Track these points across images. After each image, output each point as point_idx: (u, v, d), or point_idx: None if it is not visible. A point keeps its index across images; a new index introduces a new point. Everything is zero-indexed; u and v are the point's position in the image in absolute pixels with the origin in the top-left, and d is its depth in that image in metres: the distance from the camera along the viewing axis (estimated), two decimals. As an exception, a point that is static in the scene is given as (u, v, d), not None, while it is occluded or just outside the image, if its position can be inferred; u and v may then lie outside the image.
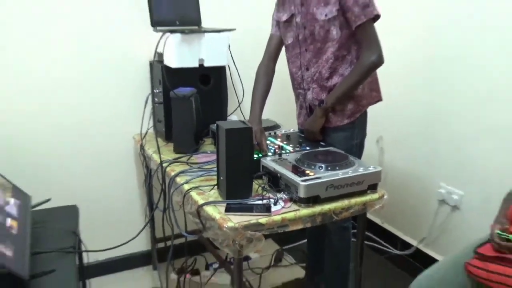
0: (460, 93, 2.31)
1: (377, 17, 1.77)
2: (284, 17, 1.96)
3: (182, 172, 1.79)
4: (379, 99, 1.98)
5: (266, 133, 2.06)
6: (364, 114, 1.98)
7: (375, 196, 1.61)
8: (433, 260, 2.44)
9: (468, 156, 2.32)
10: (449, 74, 2.34)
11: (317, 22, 1.82)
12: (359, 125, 1.95)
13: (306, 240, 2.41)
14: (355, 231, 1.83)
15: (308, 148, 1.86)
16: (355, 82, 1.83)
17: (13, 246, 1.34)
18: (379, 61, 1.79)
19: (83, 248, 1.76)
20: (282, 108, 2.46)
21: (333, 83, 1.89)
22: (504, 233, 1.47)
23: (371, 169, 1.62)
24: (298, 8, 1.88)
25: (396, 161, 2.74)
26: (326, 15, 1.79)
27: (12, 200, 1.58)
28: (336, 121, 1.92)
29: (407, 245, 2.73)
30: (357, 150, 1.96)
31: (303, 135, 2.03)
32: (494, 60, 2.12)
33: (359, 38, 1.81)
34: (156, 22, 2.18)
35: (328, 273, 2.13)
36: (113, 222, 2.48)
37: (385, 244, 2.85)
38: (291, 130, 2.13)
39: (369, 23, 1.76)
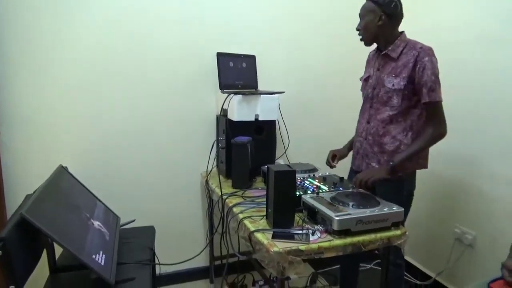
0: (474, 141, 2.20)
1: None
2: (364, 76, 1.98)
3: (238, 203, 1.79)
4: (424, 167, 1.91)
5: (306, 175, 2.05)
6: (413, 174, 1.90)
7: (397, 232, 1.55)
8: (449, 291, 2.29)
9: (480, 201, 2.18)
10: (469, 122, 2.24)
11: (384, 87, 1.81)
12: (408, 179, 1.87)
13: (338, 266, 2.32)
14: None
15: (341, 189, 1.82)
16: (421, 147, 1.76)
17: (104, 256, 1.37)
18: (444, 134, 1.76)
19: (157, 262, 1.77)
20: (320, 156, 2.44)
21: (384, 141, 1.85)
22: None
23: (395, 209, 1.57)
24: (374, 71, 1.90)
25: (418, 203, 2.62)
26: (393, 85, 1.78)
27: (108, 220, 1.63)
28: None
29: (426, 277, 2.56)
30: (406, 201, 1.87)
31: (339, 178, 1.98)
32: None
33: (428, 112, 1.77)
34: (223, 86, 2.24)
35: None
36: (181, 241, 2.48)
37: (407, 274, 2.68)
38: (327, 173, 2.09)
39: (440, 103, 1.75)
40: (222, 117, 2.23)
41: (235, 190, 1.99)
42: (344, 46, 2.09)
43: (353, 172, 2.06)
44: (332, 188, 1.83)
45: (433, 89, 1.72)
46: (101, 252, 1.37)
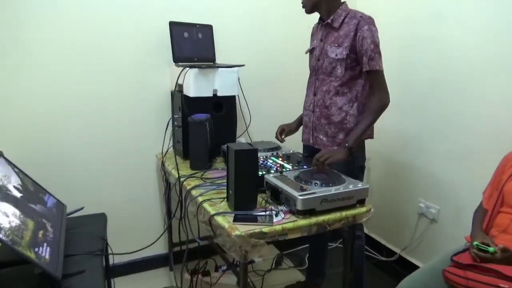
0: (435, 116, 2.30)
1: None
2: (309, 48, 2.04)
3: (197, 186, 1.79)
4: (370, 137, 2.00)
5: (269, 153, 2.06)
6: (363, 144, 1.99)
7: (363, 209, 1.59)
8: (414, 267, 2.41)
9: (442, 174, 2.29)
10: (423, 99, 2.34)
11: (328, 58, 1.87)
12: (357, 151, 1.93)
13: (303, 247, 2.37)
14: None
15: (305, 167, 1.85)
16: (371, 121, 1.83)
17: (49, 249, 1.31)
18: (387, 104, 1.83)
19: (109, 251, 1.73)
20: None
21: (331, 112, 1.91)
22: (483, 246, 1.44)
23: (360, 186, 1.60)
24: (318, 43, 1.94)
25: (382, 179, 2.71)
26: (336, 55, 1.84)
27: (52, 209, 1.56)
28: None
29: (391, 253, 2.68)
30: (358, 173, 1.96)
31: (304, 155, 2.03)
32: (475, 83, 2.10)
33: (370, 81, 1.85)
34: (177, 59, 2.19)
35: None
36: (136, 228, 2.44)
37: (371, 251, 2.79)
38: (291, 151, 2.12)
39: (381, 71, 1.82)
40: (178, 93, 2.20)
41: (193, 171, 1.98)
42: (305, 21, 2.08)
43: (305, 147, 2.13)
44: (296, 166, 1.85)
45: (372, 57, 1.78)
46: (45, 245, 1.31)
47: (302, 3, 1.92)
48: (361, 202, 1.60)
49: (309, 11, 1.91)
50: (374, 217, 1.62)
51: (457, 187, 2.22)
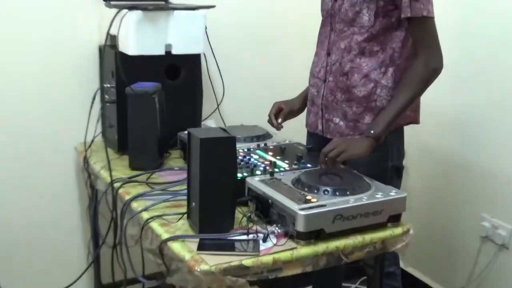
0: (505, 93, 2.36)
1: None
2: None
3: (140, 195, 1.78)
4: (414, 120, 2.03)
5: (254, 144, 2.08)
6: (401, 133, 2.02)
7: (397, 231, 1.60)
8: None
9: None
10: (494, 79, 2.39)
11: None
12: (394, 143, 1.97)
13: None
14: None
15: (309, 165, 1.86)
16: (413, 96, 1.85)
17: None
18: (441, 68, 1.84)
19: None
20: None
21: (352, 82, 1.93)
22: None
23: (393, 195, 1.61)
24: None
25: (426, 185, 2.74)
26: None
27: None
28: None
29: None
30: (393, 176, 1.98)
31: (308, 147, 2.05)
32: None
33: (413, 35, 1.87)
34: (109, -5, 2.20)
35: None
36: (45, 262, 2.44)
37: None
38: (287, 141, 2.14)
39: (431, 19, 1.83)
40: (109, 50, 2.20)
41: (134, 173, 1.98)
42: None
43: (311, 136, 2.16)
44: (295, 165, 1.86)
45: None
46: None
47: None
48: (395, 220, 1.61)
49: None
50: (415, 243, 1.64)
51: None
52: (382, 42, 1.89)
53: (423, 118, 2.09)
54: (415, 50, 1.89)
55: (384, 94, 1.92)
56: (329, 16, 2.00)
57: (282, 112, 2.14)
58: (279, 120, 2.12)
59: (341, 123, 1.98)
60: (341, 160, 1.77)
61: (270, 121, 2.14)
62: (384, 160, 1.95)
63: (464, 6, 2.49)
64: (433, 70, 1.85)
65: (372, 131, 1.81)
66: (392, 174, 1.98)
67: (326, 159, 1.77)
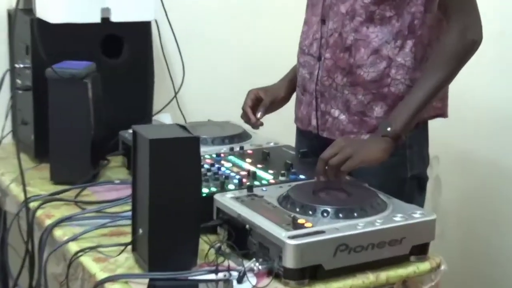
0: None
1: None
2: None
3: (67, 219, 1.77)
4: (441, 113, 2.02)
5: (226, 147, 2.07)
6: (424, 130, 2.02)
7: (424, 266, 1.59)
8: None
9: None
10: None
11: None
12: (415, 145, 1.96)
13: None
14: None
15: (302, 176, 1.85)
16: (444, 79, 1.84)
17: None
18: (481, 40, 1.86)
19: None
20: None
21: (356, 60, 1.92)
22: None
23: (418, 217, 1.60)
24: None
25: (460, 200, 2.75)
26: None
27: None
28: None
29: None
30: (413, 189, 1.99)
31: (300, 151, 2.04)
32: None
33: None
34: None
35: None
36: None
37: None
38: (271, 144, 2.15)
39: None
40: (23, 15, 2.20)
41: (59, 188, 1.98)
42: None
43: (302, 135, 2.18)
44: (283, 175, 1.85)
45: None
46: None
47: None
48: (421, 252, 1.59)
49: None
50: (447, 281, 1.63)
51: None
52: (397, 5, 1.88)
53: (454, 112, 2.10)
54: (445, 16, 1.89)
55: (400, 76, 1.91)
56: None
57: (262, 103, 2.13)
58: (258, 115, 2.11)
59: (342, 116, 1.97)
60: (347, 169, 1.75)
61: (245, 116, 2.15)
62: (402, 167, 1.95)
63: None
64: (471, 42, 1.85)
65: (389, 128, 1.79)
66: (412, 187, 1.99)
67: (326, 167, 1.74)
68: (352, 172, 1.82)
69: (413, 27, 1.89)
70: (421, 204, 1.97)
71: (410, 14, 1.89)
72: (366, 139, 1.86)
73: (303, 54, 2.05)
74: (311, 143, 2.06)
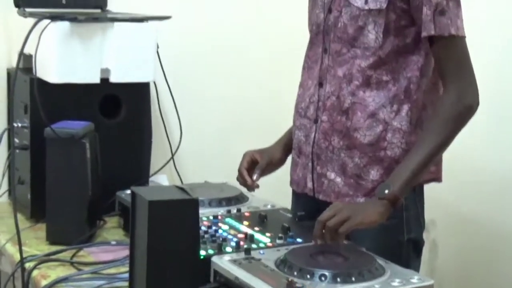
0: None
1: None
2: None
3: (63, 279, 1.77)
4: (436, 177, 2.04)
5: (223, 210, 2.07)
6: (420, 193, 2.03)
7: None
8: None
9: None
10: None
11: (349, 7, 1.92)
12: (412, 208, 1.99)
13: None
14: None
15: (299, 240, 1.85)
16: (440, 144, 1.86)
17: None
18: (477, 104, 1.87)
19: None
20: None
21: (353, 124, 1.94)
22: None
23: (416, 282, 1.59)
24: None
25: (455, 265, 2.77)
26: (366, 1, 1.89)
27: None
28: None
29: None
30: (409, 252, 1.99)
31: (297, 214, 2.04)
32: None
33: (439, 60, 1.90)
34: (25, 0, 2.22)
35: None
36: None
37: None
38: (268, 206, 2.14)
39: (461, 38, 1.87)
40: (23, 75, 2.22)
41: (55, 248, 1.99)
42: None
43: (298, 198, 2.18)
44: (281, 239, 1.85)
45: (442, 11, 1.84)
46: None
47: None
48: (419, 318, 1.61)
49: None
50: None
51: None
52: (393, 69, 1.92)
53: (449, 175, 2.12)
54: (442, 80, 1.92)
55: (397, 140, 1.93)
56: (320, 33, 2.02)
57: (258, 166, 2.14)
58: (254, 177, 2.12)
59: (338, 179, 1.98)
60: (345, 231, 1.75)
61: (241, 178, 2.15)
62: (399, 231, 1.95)
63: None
64: (468, 107, 1.86)
65: (386, 191, 1.80)
66: (408, 250, 1.99)
67: (324, 230, 1.76)
68: (349, 235, 1.83)
69: (409, 92, 1.92)
70: (417, 267, 1.98)
71: (406, 78, 1.92)
72: (363, 201, 1.89)
73: (299, 117, 2.08)
74: (307, 205, 2.06)
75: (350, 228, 1.75)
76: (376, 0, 1.87)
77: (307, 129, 2.03)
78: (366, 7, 1.88)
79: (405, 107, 1.93)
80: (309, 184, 2.04)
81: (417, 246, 2.03)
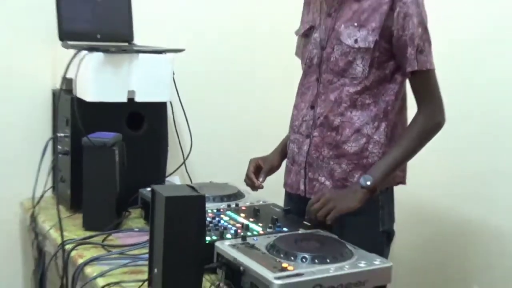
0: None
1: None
2: (303, 28, 2.08)
3: (95, 259, 1.77)
4: (402, 181, 2.06)
5: (224, 204, 2.07)
6: (391, 194, 2.05)
7: (383, 305, 1.62)
8: None
9: (509, 250, 2.38)
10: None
11: (341, 45, 1.92)
12: (385, 207, 2.00)
13: None
14: None
15: (286, 229, 1.86)
16: (412, 151, 1.91)
17: None
18: (444, 122, 1.92)
19: None
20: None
21: (342, 137, 1.94)
22: None
23: (378, 264, 1.59)
24: (323, 19, 2.00)
25: (412, 252, 2.77)
26: (356, 41, 1.89)
27: None
28: None
29: None
30: (383, 242, 2.01)
31: (282, 209, 2.05)
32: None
33: (415, 88, 1.94)
34: (66, 34, 2.23)
35: None
36: None
37: None
38: (261, 202, 2.12)
39: (433, 71, 1.91)
40: (65, 95, 2.20)
41: (89, 233, 1.97)
42: None
43: (290, 198, 2.16)
44: (270, 228, 1.85)
45: (421, 49, 1.87)
46: None
47: None
48: (380, 291, 1.60)
49: None
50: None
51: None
52: (375, 94, 1.93)
53: (410, 178, 2.13)
54: (417, 102, 1.94)
55: (376, 150, 1.94)
56: (314, 66, 2.01)
57: (262, 170, 2.14)
58: (260, 179, 2.12)
59: (327, 182, 1.98)
60: (331, 219, 1.79)
61: (249, 181, 2.14)
62: (375, 224, 1.96)
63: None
64: (437, 123, 1.91)
65: (369, 182, 1.83)
66: (382, 240, 1.99)
67: (317, 215, 1.80)
68: (338, 227, 1.86)
69: (387, 112, 1.94)
70: (388, 253, 2.01)
71: (384, 102, 1.93)
72: (345, 191, 1.89)
73: (293, 133, 2.07)
74: (298, 203, 2.05)
75: (335, 216, 1.80)
76: (365, 40, 1.88)
77: (300, 142, 2.03)
78: (356, 46, 1.89)
79: (383, 124, 1.94)
80: (302, 187, 2.04)
81: (389, 236, 2.04)
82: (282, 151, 2.18)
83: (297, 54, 2.19)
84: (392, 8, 1.85)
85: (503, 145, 2.41)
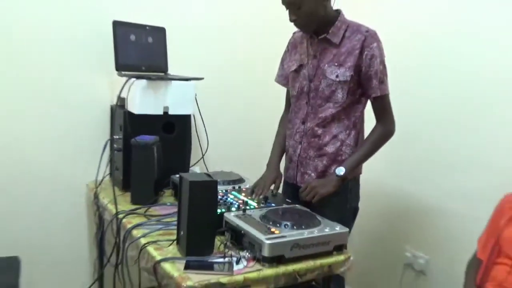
0: (431, 149, 2.43)
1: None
2: (293, 67, 2.05)
3: (139, 224, 1.78)
4: (361, 172, 2.09)
5: (230, 187, 2.09)
6: (357, 181, 2.06)
7: (341, 257, 1.64)
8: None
9: (433, 219, 2.40)
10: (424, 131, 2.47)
11: (326, 79, 1.93)
12: (353, 191, 2.02)
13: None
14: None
15: (273, 204, 1.89)
16: (372, 151, 1.95)
17: None
18: (394, 132, 1.96)
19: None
20: (247, 163, 2.53)
21: (323, 142, 1.98)
22: None
23: (338, 229, 1.65)
24: (309, 60, 1.98)
25: (363, 223, 2.79)
26: (337, 76, 1.90)
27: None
28: None
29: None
30: (350, 216, 2.02)
31: (271, 191, 2.05)
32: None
33: (376, 107, 1.95)
34: (121, 66, 2.22)
35: None
36: (59, 276, 2.39)
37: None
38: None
39: (388, 96, 1.94)
40: (119, 109, 2.22)
41: (135, 206, 1.98)
42: (281, 24, 2.12)
43: (288, 185, 2.15)
44: (263, 204, 1.89)
45: (382, 80, 1.90)
46: None
47: (297, 25, 1.90)
48: (339, 249, 1.64)
49: (312, 30, 1.92)
50: (356, 268, 1.67)
51: (451, 234, 2.32)
52: (348, 112, 1.96)
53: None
54: (376, 117, 1.96)
55: (348, 150, 1.98)
56: (304, 93, 2.01)
57: (275, 185, 2.07)
58: (274, 191, 2.07)
59: (313, 174, 2.01)
60: (316, 201, 1.86)
61: (266, 191, 2.00)
62: (346, 202, 2.00)
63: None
64: (390, 131, 1.95)
65: (341, 172, 1.89)
66: (350, 214, 2.02)
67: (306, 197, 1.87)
68: (320, 205, 1.89)
69: (355, 124, 1.98)
70: (353, 223, 2.06)
71: (354, 117, 1.97)
72: (324, 180, 1.93)
73: (290, 140, 2.09)
74: (293, 189, 2.07)
75: (319, 198, 1.87)
76: (344, 75, 1.89)
77: (295, 147, 2.06)
78: (337, 79, 1.91)
79: (353, 133, 1.98)
80: (297, 178, 2.07)
81: (355, 211, 2.07)
82: (278, 163, 2.14)
83: (277, 81, 2.19)
84: (361, 52, 1.87)
85: (433, 138, 2.43)
